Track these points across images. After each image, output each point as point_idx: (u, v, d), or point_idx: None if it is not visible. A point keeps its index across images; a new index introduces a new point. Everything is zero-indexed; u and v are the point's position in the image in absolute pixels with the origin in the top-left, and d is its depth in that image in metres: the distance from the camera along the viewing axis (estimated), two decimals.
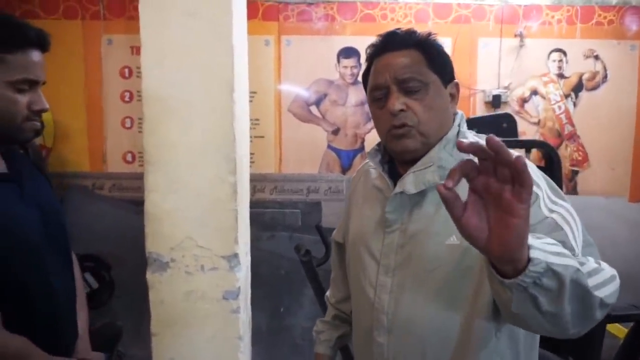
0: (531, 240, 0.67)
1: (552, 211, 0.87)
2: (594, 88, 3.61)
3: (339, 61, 3.60)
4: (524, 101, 3.62)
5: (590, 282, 0.73)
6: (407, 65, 0.98)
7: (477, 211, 0.66)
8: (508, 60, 3.57)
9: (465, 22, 3.56)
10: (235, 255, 1.90)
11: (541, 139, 3.58)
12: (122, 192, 3.56)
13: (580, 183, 3.67)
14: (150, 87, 1.58)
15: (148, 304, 1.65)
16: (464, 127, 1.03)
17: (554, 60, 3.59)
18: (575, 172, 3.67)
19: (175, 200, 1.66)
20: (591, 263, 0.79)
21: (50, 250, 1.14)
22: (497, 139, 0.61)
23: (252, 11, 3.37)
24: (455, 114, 1.05)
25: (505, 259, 0.66)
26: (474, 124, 3.18)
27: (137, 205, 3.13)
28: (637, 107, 3.63)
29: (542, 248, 0.68)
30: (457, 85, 1.04)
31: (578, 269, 0.70)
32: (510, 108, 3.58)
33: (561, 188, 3.21)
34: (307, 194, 3.49)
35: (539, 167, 3.40)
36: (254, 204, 1.98)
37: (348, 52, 3.57)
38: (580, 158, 3.67)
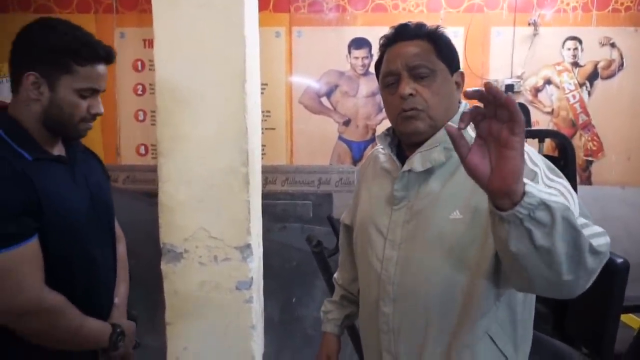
0: (527, 182, 0.76)
1: (549, 187, 0.91)
2: (610, 76, 3.56)
3: (350, 52, 3.59)
4: (537, 90, 3.59)
5: (580, 228, 0.79)
6: (417, 54, 1.05)
7: (481, 153, 0.77)
8: (521, 49, 3.53)
9: (478, 11, 3.52)
10: (248, 246, 1.91)
11: (555, 128, 3.55)
12: (135, 184, 3.60)
13: (594, 173, 3.63)
14: (163, 79, 1.59)
15: (162, 294, 1.68)
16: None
17: (569, 49, 3.54)
18: (590, 162, 3.63)
19: (189, 192, 1.68)
20: (581, 219, 0.86)
21: (94, 226, 1.29)
22: (494, 84, 0.73)
23: (263, 3, 3.37)
24: (460, 102, 1.11)
25: (503, 192, 0.75)
26: None
27: (151, 197, 3.17)
28: None
29: (536, 187, 0.76)
30: (462, 74, 1.10)
31: (568, 208, 0.77)
32: (523, 97, 3.54)
33: (575, 178, 3.15)
34: (319, 186, 3.49)
35: (553, 157, 3.37)
36: (265, 196, 1.99)
37: (359, 43, 3.56)
38: (594, 148, 3.63)
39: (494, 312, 1.02)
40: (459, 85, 1.10)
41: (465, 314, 1.02)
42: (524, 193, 0.74)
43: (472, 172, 0.77)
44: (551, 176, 0.96)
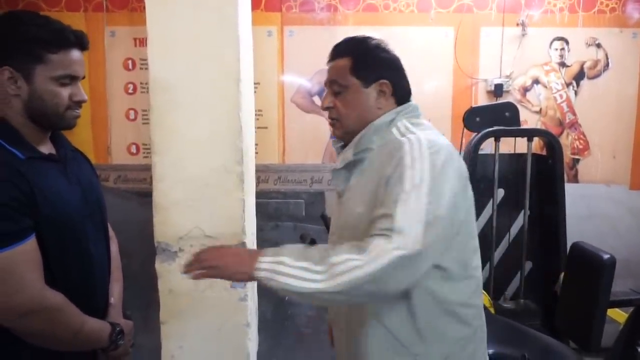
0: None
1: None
2: (596, 76, 3.61)
3: None
4: (525, 90, 3.63)
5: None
6: (335, 72, 1.26)
7: None
8: (510, 49, 3.56)
9: (467, 12, 3.55)
10: (243, 244, 1.92)
11: (543, 127, 3.59)
12: (126, 184, 3.58)
13: (581, 171, 3.68)
14: (157, 79, 1.59)
15: (155, 293, 1.68)
16: (401, 118, 1.22)
17: (556, 49, 3.59)
18: (577, 160, 3.68)
19: (183, 190, 1.69)
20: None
21: (89, 224, 1.30)
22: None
23: (255, 2, 3.37)
24: (386, 107, 1.24)
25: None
26: (478, 113, 3.19)
27: (142, 196, 3.16)
28: (639, 95, 3.63)
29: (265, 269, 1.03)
30: (384, 84, 1.23)
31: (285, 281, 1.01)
32: (512, 97, 3.58)
33: (563, 176, 3.21)
34: (311, 184, 3.50)
35: (541, 156, 3.42)
36: (258, 195, 2.00)
37: None
38: (581, 146, 3.68)
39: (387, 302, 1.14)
40: (383, 93, 1.23)
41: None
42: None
43: None
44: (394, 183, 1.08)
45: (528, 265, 3.25)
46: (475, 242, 1.21)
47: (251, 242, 1.91)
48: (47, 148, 1.25)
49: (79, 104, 1.23)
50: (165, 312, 1.70)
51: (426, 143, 1.10)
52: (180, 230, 1.73)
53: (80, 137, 3.60)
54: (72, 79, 1.19)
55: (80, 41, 1.20)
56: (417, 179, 1.04)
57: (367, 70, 1.23)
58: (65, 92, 1.18)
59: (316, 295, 0.99)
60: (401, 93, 1.26)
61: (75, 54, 1.19)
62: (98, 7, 3.52)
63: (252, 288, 1.98)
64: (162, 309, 1.69)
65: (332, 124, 1.29)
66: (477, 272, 1.21)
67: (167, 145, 1.74)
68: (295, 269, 1.00)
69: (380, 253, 0.97)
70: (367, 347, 1.17)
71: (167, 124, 1.72)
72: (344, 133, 1.27)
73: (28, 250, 1.09)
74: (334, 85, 1.25)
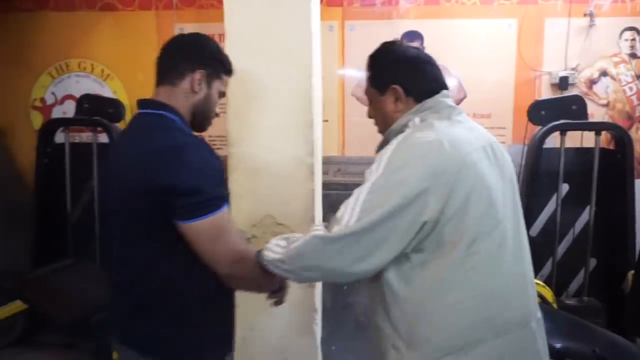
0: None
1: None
2: None
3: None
4: (592, 82, 3.51)
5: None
6: (365, 86, 1.40)
7: None
8: (576, 41, 3.46)
9: (531, 3, 3.48)
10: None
11: (610, 121, 3.47)
12: None
13: None
14: (234, 72, 1.66)
15: None
16: (414, 117, 1.26)
17: (626, 40, 3.45)
18: None
19: (257, 180, 1.77)
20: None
21: None
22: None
23: None
24: (404, 109, 1.28)
25: None
26: (543, 106, 3.13)
27: None
28: None
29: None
30: (394, 88, 1.28)
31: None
32: (578, 90, 3.47)
33: (633, 171, 3.10)
34: None
35: (609, 151, 3.33)
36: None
37: (411, 36, 3.56)
38: None
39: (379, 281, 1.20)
40: (397, 96, 1.28)
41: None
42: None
43: None
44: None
45: (593, 262, 3.17)
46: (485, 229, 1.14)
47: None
48: None
49: (216, 115, 1.47)
50: (239, 295, 1.79)
51: (403, 142, 1.16)
52: (253, 218, 1.81)
53: None
54: (222, 96, 1.45)
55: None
56: (369, 177, 1.15)
57: (378, 80, 1.33)
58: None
59: (273, 262, 1.21)
60: (417, 91, 1.27)
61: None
62: (168, 5, 3.67)
63: None
64: (236, 293, 1.78)
65: (378, 131, 1.42)
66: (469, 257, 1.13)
67: (243, 137, 1.83)
68: (272, 245, 1.25)
69: (307, 235, 1.16)
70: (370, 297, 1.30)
71: (242, 117, 1.81)
72: (381, 131, 1.38)
73: (228, 211, 1.29)
74: (367, 97, 1.41)
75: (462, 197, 1.10)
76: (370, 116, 1.42)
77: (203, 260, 1.24)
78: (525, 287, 1.20)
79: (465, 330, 1.12)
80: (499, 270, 1.14)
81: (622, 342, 2.02)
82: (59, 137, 3.57)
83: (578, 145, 3.32)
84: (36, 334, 3.49)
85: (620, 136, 3.05)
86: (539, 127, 3.09)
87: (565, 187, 3.17)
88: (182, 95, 1.33)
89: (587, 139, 3.31)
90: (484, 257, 1.12)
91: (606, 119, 3.49)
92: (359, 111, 3.67)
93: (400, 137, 1.19)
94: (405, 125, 1.25)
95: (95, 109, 3.50)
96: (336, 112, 3.66)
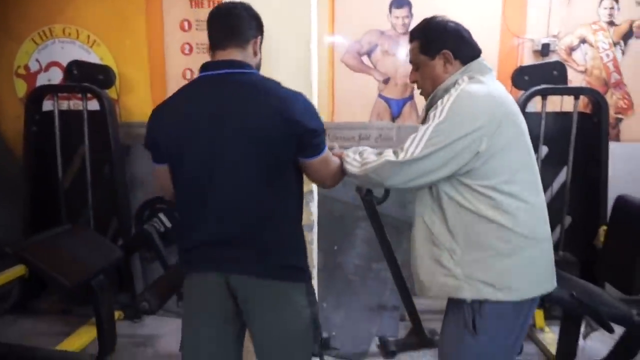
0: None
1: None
2: None
3: (390, 12, 3.66)
4: (571, 49, 3.64)
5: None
6: (411, 54, 1.65)
7: None
8: (559, 9, 3.57)
9: None
10: (311, 192, 2.11)
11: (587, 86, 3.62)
12: None
13: (624, 130, 3.71)
14: None
15: None
16: (463, 76, 1.52)
17: (605, 8, 3.57)
18: (619, 120, 3.71)
19: None
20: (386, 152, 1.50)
21: None
22: None
23: None
24: (453, 70, 1.56)
25: None
26: (527, 71, 3.26)
27: None
28: None
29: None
30: (445, 53, 1.55)
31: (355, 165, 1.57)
32: (558, 56, 3.60)
33: (607, 134, 3.27)
34: (359, 141, 3.63)
35: (586, 114, 3.52)
36: None
37: (400, 3, 3.62)
38: (625, 106, 3.70)
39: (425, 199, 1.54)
40: (447, 60, 1.55)
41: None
42: None
43: None
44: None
45: (568, 220, 3.36)
46: (523, 163, 1.48)
47: (316, 190, 2.06)
48: None
49: None
50: None
51: (462, 93, 1.43)
52: None
53: (140, 96, 3.80)
54: None
55: None
56: (433, 118, 1.42)
57: (430, 47, 1.57)
58: None
59: (353, 174, 1.58)
60: (464, 55, 1.56)
61: None
62: None
63: (315, 233, 2.16)
64: None
65: (420, 93, 1.68)
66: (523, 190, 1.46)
67: None
68: (350, 159, 1.59)
69: (381, 158, 1.47)
70: (414, 237, 1.57)
71: None
72: (427, 94, 1.63)
73: None
74: (413, 64, 1.65)
75: (507, 137, 1.41)
76: (413, 81, 1.67)
77: (315, 182, 1.68)
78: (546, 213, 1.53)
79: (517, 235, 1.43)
80: (538, 191, 1.50)
81: (595, 289, 2.22)
82: (46, 105, 3.56)
83: (558, 110, 3.47)
84: (31, 301, 3.54)
85: (597, 101, 3.21)
86: (522, 92, 3.23)
87: (544, 149, 3.33)
88: (251, 58, 1.52)
89: (565, 104, 3.46)
90: (527, 182, 1.47)
91: (584, 84, 3.63)
92: (349, 78, 3.75)
93: (455, 92, 1.44)
94: (456, 83, 1.51)
95: (85, 76, 3.49)
96: (326, 79, 3.72)
